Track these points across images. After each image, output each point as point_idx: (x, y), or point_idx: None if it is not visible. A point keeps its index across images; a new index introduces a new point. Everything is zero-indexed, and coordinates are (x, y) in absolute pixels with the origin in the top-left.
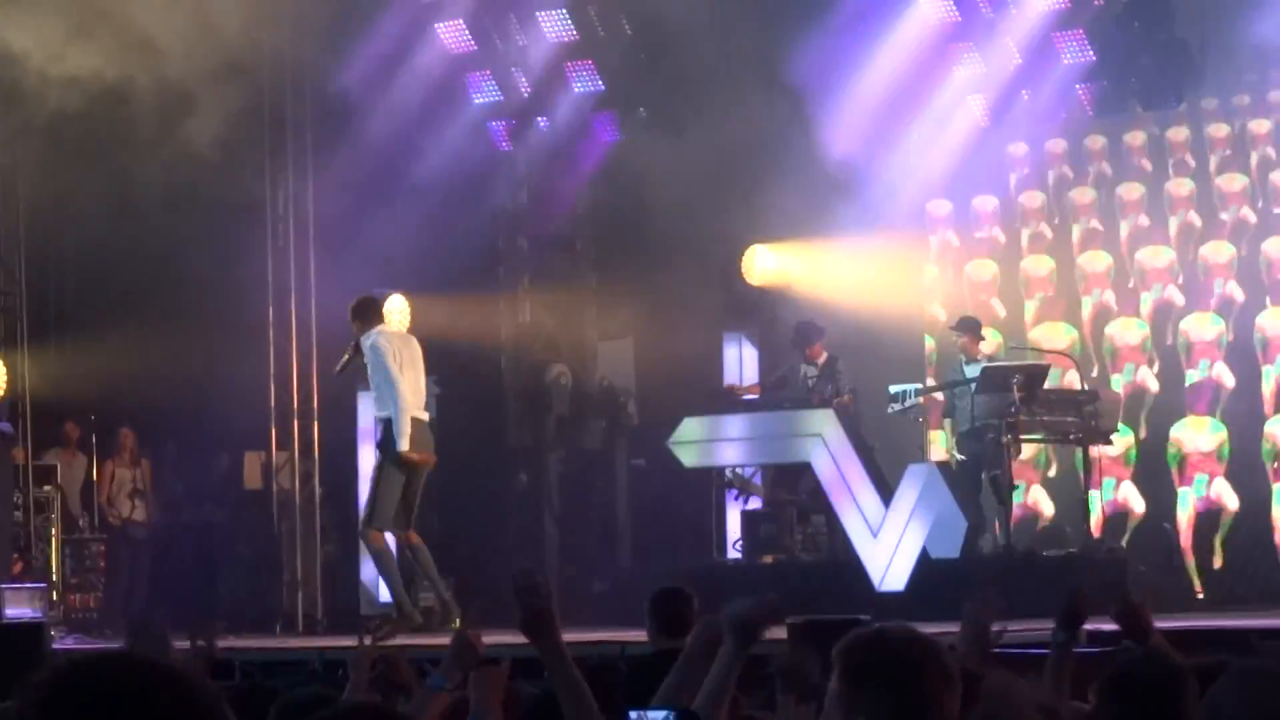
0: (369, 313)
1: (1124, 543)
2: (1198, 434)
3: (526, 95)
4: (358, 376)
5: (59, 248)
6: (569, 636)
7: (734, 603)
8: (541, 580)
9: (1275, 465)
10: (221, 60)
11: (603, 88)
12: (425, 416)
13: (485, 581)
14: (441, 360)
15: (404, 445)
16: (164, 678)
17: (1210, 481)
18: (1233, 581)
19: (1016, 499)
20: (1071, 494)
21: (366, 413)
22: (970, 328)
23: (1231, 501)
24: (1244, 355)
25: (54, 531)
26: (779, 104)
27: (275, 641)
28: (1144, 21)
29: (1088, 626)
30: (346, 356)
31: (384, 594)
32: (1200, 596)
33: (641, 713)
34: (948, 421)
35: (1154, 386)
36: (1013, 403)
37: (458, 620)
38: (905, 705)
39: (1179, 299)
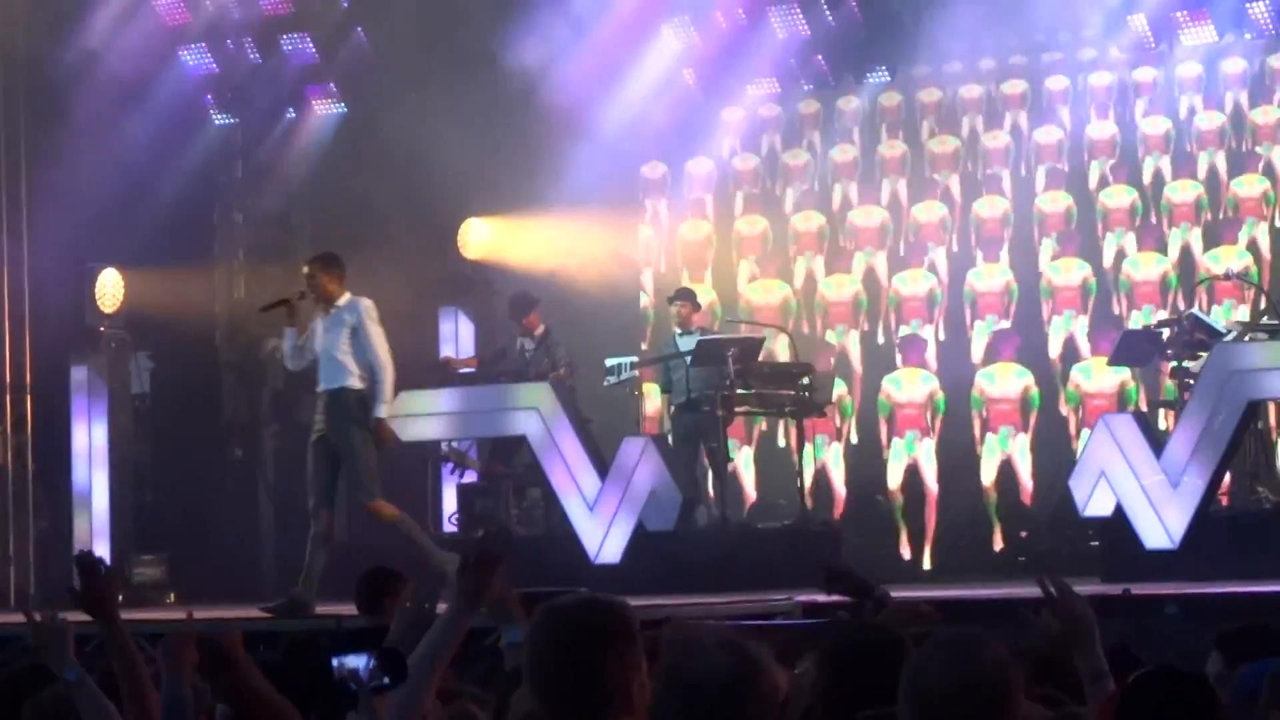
0: (343, 272)
1: (837, 514)
2: (908, 385)
3: (241, 67)
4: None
5: None
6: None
7: (463, 568)
8: (99, 559)
9: (984, 415)
10: None
11: (318, 60)
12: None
13: (199, 555)
14: (155, 334)
15: (384, 411)
16: None
17: (920, 439)
18: (946, 552)
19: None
20: (783, 464)
21: (81, 388)
22: (687, 297)
23: (940, 467)
24: (954, 313)
25: None
26: (492, 75)
27: None
28: None
29: (801, 598)
30: (285, 303)
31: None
32: (908, 566)
33: (342, 658)
34: (662, 396)
35: (865, 344)
36: (728, 376)
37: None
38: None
39: (891, 258)
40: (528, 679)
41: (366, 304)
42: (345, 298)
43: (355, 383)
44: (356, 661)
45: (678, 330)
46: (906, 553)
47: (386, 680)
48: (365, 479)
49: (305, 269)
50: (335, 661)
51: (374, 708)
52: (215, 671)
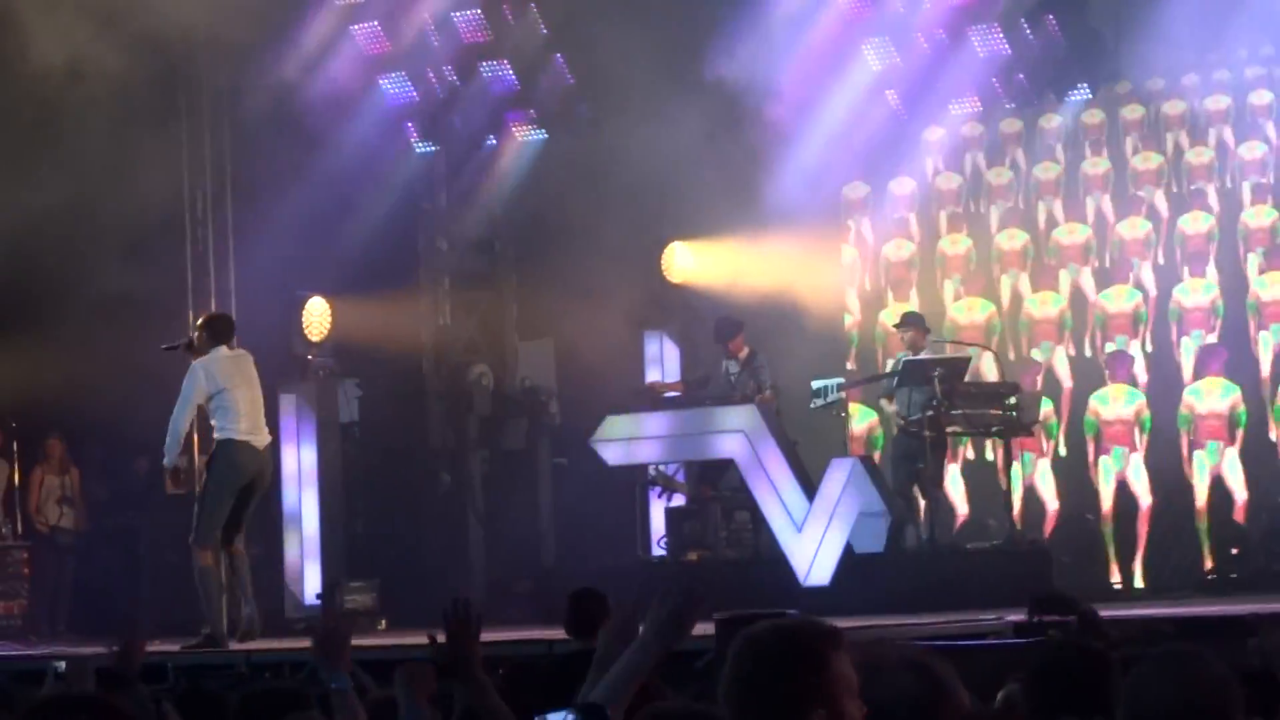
0: (217, 332)
1: (1046, 534)
2: (1115, 402)
3: (442, 95)
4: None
5: None
6: (495, 636)
7: (663, 597)
8: (469, 613)
9: (1190, 431)
10: (138, 65)
11: (518, 86)
12: (263, 439)
13: (409, 581)
14: (363, 362)
15: (167, 461)
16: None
17: (1128, 455)
18: (1156, 570)
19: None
20: (993, 485)
21: (289, 416)
22: (915, 322)
23: (1151, 483)
24: (1160, 329)
25: None
26: (694, 100)
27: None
28: (1057, 11)
29: (1012, 618)
30: (178, 346)
31: (309, 596)
32: (1117, 587)
33: (542, 716)
34: (886, 404)
35: (1071, 362)
36: (934, 396)
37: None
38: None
39: (1096, 275)
40: (723, 705)
41: (196, 365)
42: (201, 358)
43: (214, 434)
44: (557, 718)
45: (909, 353)
46: (1116, 571)
47: None
48: (198, 521)
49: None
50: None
51: None
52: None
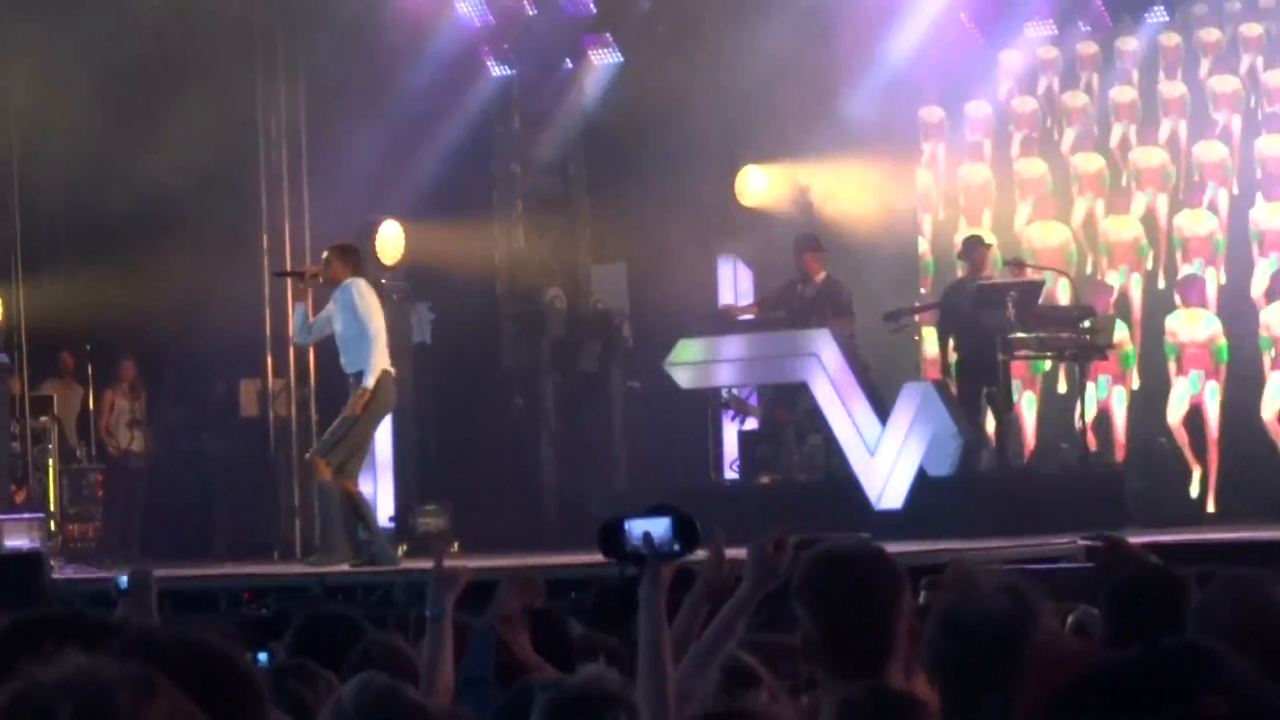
0: (357, 262)
1: (1119, 457)
2: (1193, 325)
3: (518, 18)
4: None
5: (51, 179)
6: (570, 559)
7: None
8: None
9: (1272, 354)
10: None
11: (593, 10)
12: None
13: (482, 505)
14: (436, 285)
15: (369, 381)
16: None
17: (1205, 379)
18: (1231, 493)
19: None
20: (1065, 407)
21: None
22: (976, 246)
23: (1225, 407)
24: (1238, 251)
25: (51, 462)
26: (769, 23)
27: (275, 568)
28: None
29: (1084, 542)
30: (301, 274)
31: (382, 519)
32: (1200, 507)
33: (635, 522)
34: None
35: (1148, 285)
36: (1008, 320)
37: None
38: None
39: (1172, 198)
40: (813, 623)
41: (359, 284)
42: (345, 282)
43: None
44: (650, 525)
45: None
46: (1191, 493)
47: (677, 547)
48: (331, 438)
49: (325, 254)
50: (628, 524)
51: (659, 574)
52: None
